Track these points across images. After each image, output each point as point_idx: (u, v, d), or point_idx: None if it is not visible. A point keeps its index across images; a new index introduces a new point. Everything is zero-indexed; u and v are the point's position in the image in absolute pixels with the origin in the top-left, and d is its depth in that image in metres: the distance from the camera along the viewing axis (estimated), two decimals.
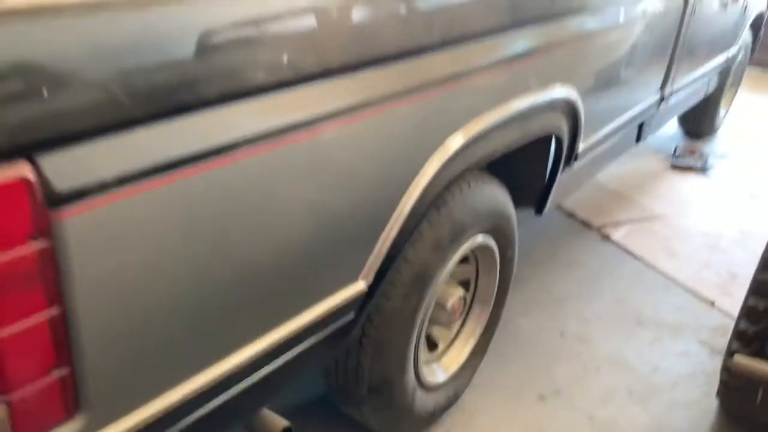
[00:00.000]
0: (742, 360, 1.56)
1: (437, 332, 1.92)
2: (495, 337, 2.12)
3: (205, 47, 0.83)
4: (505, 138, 1.61)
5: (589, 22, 1.87)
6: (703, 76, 3.40)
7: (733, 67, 4.15)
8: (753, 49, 4.61)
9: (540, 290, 2.64)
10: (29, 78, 0.67)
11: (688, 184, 3.79)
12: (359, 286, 1.28)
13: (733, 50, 3.88)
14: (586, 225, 3.20)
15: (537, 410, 2.05)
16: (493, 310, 2.02)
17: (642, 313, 2.57)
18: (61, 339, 0.77)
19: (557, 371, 2.22)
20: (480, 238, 1.78)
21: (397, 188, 1.27)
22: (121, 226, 0.78)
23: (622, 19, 2.08)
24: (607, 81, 2.16)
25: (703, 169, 3.96)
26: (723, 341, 2.27)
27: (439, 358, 1.92)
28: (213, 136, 0.87)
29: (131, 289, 0.83)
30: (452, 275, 1.78)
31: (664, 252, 3.01)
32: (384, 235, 1.29)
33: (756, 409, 1.73)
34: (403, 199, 1.29)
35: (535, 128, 1.73)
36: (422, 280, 1.55)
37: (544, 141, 1.92)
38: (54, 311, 0.75)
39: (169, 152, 0.80)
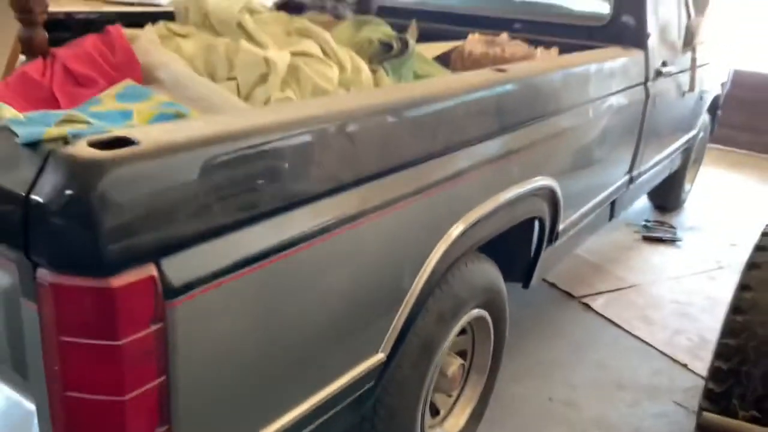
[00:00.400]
0: (710, 417, 1.77)
1: (439, 399, 2.11)
2: (489, 403, 2.31)
3: (274, 172, 1.07)
4: (496, 223, 1.86)
5: (561, 121, 2.16)
6: (667, 156, 3.73)
7: (695, 147, 4.52)
8: (712, 129, 5.01)
9: (529, 359, 2.84)
10: (159, 202, 0.90)
11: (659, 255, 4.06)
12: (380, 357, 1.49)
13: (693, 132, 4.24)
14: (568, 296, 3.43)
15: None
16: (488, 377, 2.22)
17: (622, 378, 2.77)
18: (165, 403, 0.97)
19: None
20: (476, 312, 2.00)
21: (411, 271, 1.50)
22: (214, 309, 1.00)
23: (591, 115, 2.38)
24: (580, 169, 2.45)
25: (672, 241, 4.26)
26: (696, 402, 2.47)
27: (441, 423, 2.10)
28: (275, 237, 1.10)
29: (219, 361, 1.04)
30: (452, 346, 1.99)
31: (640, 320, 3.24)
32: (399, 311, 1.51)
33: None
34: (416, 279, 1.52)
35: (520, 213, 1.99)
36: (428, 350, 1.76)
37: (529, 223, 2.17)
38: (162, 380, 0.96)
39: (249, 250, 1.03)
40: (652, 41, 2.96)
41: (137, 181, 0.89)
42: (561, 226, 2.37)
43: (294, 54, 1.54)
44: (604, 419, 2.52)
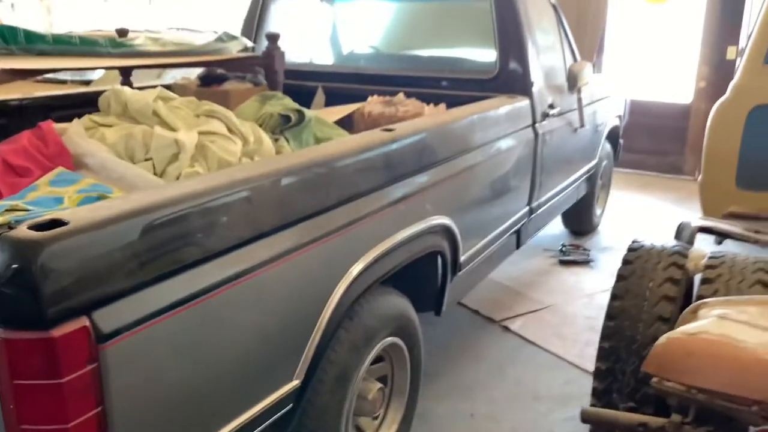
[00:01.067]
0: (588, 410, 2.07)
1: (364, 422, 2.35)
2: (414, 424, 2.56)
3: (184, 234, 1.34)
4: (395, 260, 2.15)
5: (450, 167, 2.49)
6: (568, 186, 4.12)
7: (599, 174, 4.96)
8: (616, 156, 5.47)
9: (452, 380, 3.12)
10: (87, 268, 1.16)
11: (574, 276, 4.43)
12: (295, 383, 1.74)
13: (594, 161, 4.67)
14: (490, 320, 3.74)
15: None
16: (408, 399, 2.48)
17: (538, 390, 3.07)
18: (103, 428, 1.21)
19: None
20: (390, 339, 2.27)
21: (316, 306, 1.77)
22: (139, 349, 1.24)
23: (479, 158, 2.72)
24: (476, 205, 2.78)
25: (586, 262, 4.64)
26: None
27: None
28: (189, 287, 1.36)
29: (147, 391, 1.28)
30: (371, 372, 2.24)
31: (555, 336, 3.57)
32: (309, 342, 1.77)
33: None
34: (322, 314, 1.78)
35: (417, 250, 2.28)
36: (344, 377, 2.01)
37: (431, 257, 2.48)
38: (99, 410, 1.19)
39: (166, 300, 1.29)
40: (537, 88, 3.36)
41: (68, 253, 1.14)
42: (462, 258, 2.68)
43: (201, 133, 1.82)
44: (521, 428, 2.80)
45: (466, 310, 3.85)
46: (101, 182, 1.50)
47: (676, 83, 7.28)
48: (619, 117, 5.31)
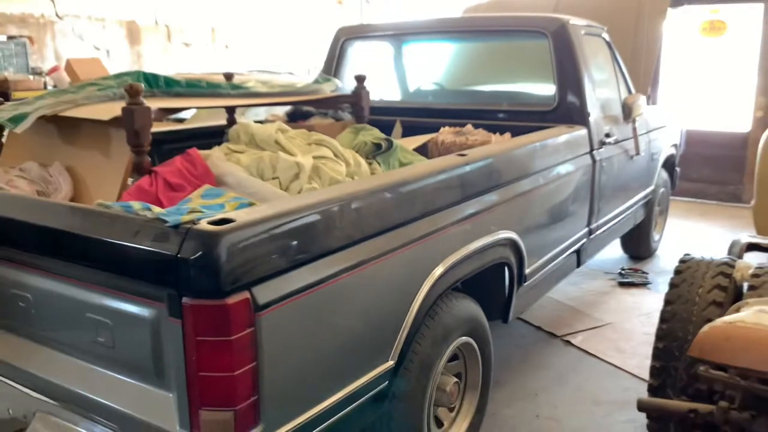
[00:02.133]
0: (644, 399, 2.32)
1: (442, 413, 2.66)
2: (486, 425, 2.85)
3: (312, 233, 1.72)
4: (470, 266, 2.48)
5: (518, 187, 2.82)
6: (625, 210, 4.37)
7: (656, 200, 5.18)
8: (673, 184, 5.68)
9: (519, 387, 3.39)
10: (249, 255, 1.54)
11: (632, 297, 4.65)
12: (390, 363, 2.08)
13: (650, 188, 4.91)
14: (552, 335, 4.00)
15: None
16: (480, 394, 2.78)
17: (597, 396, 3.32)
18: (255, 378, 1.58)
19: None
20: (463, 339, 2.59)
21: (407, 299, 2.12)
22: (283, 318, 1.61)
23: (542, 181, 3.04)
24: (540, 223, 3.09)
25: (645, 284, 4.85)
26: None
27: (447, 431, 2.65)
28: (318, 274, 1.73)
29: (288, 352, 1.65)
30: (448, 368, 2.56)
31: (614, 350, 3.80)
32: (402, 330, 2.11)
33: None
34: (411, 306, 2.13)
35: (489, 259, 2.61)
36: (427, 367, 2.34)
37: (500, 268, 2.80)
38: (253, 365, 1.56)
39: (303, 282, 1.67)
40: (593, 118, 3.67)
41: (237, 243, 1.53)
42: (527, 270, 2.99)
43: (315, 158, 2.21)
44: (583, 428, 3.05)
45: (530, 326, 4.12)
46: (240, 196, 1.90)
47: (734, 113, 7.43)
48: (675, 146, 5.53)
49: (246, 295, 1.54)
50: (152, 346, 1.66)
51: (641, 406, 2.34)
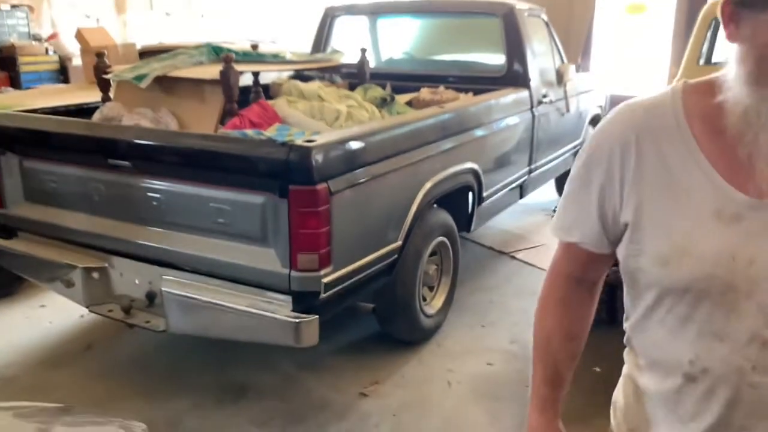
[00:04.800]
0: None
1: (426, 292, 3.76)
2: (453, 307, 3.95)
3: (363, 150, 2.77)
4: (447, 185, 3.56)
5: (479, 132, 3.90)
6: (558, 156, 5.52)
7: None
8: None
9: (477, 285, 4.53)
10: (327, 162, 2.57)
11: None
12: (399, 242, 3.15)
13: (579, 140, 6.08)
14: (501, 252, 5.16)
15: (480, 332, 3.89)
16: (452, 277, 3.89)
17: (534, 290, 4.40)
18: (329, 237, 2.61)
19: (489, 317, 4.07)
20: (440, 238, 3.67)
21: (410, 202, 3.18)
22: (345, 201, 2.65)
23: (496, 128, 4.13)
24: (493, 160, 4.19)
25: None
26: None
27: (429, 303, 3.75)
28: (364, 176, 2.78)
29: (346, 222, 2.69)
30: (430, 261, 3.64)
31: (548, 262, 4.94)
32: (406, 220, 3.17)
33: None
34: (412, 207, 3.19)
35: (459, 182, 3.69)
36: (418, 253, 3.42)
37: (466, 190, 3.88)
38: (328, 227, 2.60)
39: (357, 179, 2.70)
40: (534, 83, 4.76)
41: (320, 153, 2.54)
42: (485, 194, 4.09)
43: (347, 106, 3.22)
44: (524, 308, 4.21)
45: (484, 247, 5.27)
46: (300, 131, 2.89)
47: (653, 80, 8.70)
48: (601, 107, 6.71)
49: (326, 185, 2.57)
50: (261, 221, 2.67)
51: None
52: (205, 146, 2.71)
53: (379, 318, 3.53)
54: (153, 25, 9.22)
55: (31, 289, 4.30)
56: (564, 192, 1.24)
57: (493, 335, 3.86)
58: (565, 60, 5.64)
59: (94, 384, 3.33)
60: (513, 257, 5.08)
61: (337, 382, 3.34)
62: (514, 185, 4.66)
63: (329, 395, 3.24)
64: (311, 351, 2.98)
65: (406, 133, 3.14)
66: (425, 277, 3.62)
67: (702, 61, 4.85)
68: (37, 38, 7.67)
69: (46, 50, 7.57)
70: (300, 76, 4.77)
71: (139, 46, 6.69)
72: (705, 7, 4.86)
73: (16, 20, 7.42)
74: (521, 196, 4.95)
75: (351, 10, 5.52)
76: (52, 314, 4.04)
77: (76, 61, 7.23)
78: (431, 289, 3.80)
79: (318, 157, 2.53)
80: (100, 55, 3.48)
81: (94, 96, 3.78)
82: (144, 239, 3.00)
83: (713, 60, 4.93)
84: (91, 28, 6.85)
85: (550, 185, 6.22)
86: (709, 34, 4.81)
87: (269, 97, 3.83)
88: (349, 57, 4.55)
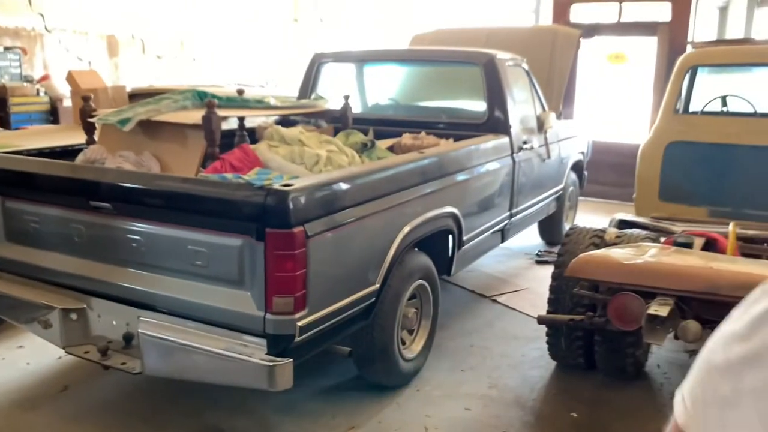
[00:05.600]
0: (541, 315, 3.49)
1: (405, 336, 3.77)
2: (434, 351, 3.96)
3: (334, 197, 2.82)
4: (426, 228, 3.60)
5: (459, 177, 3.97)
6: (540, 201, 5.61)
7: (567, 196, 6.45)
8: (581, 184, 6.98)
9: (458, 329, 4.53)
10: (302, 206, 2.62)
11: (546, 271, 5.81)
12: (376, 285, 3.18)
13: (561, 185, 6.18)
14: (482, 296, 5.18)
15: (459, 377, 3.89)
16: (431, 322, 3.90)
17: (516, 334, 4.49)
18: (305, 280, 2.64)
19: (469, 362, 4.08)
20: (420, 282, 3.70)
21: (388, 245, 3.21)
22: (321, 245, 2.68)
23: (476, 173, 4.20)
24: (474, 205, 4.26)
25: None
26: None
27: (409, 347, 3.75)
28: (339, 221, 2.82)
29: (322, 266, 2.72)
30: (409, 304, 3.66)
31: (529, 306, 4.99)
32: (384, 264, 3.21)
33: (565, 352, 3.66)
34: (389, 251, 3.23)
35: (438, 225, 3.74)
36: (397, 296, 3.44)
37: (445, 234, 3.93)
38: (304, 270, 2.63)
39: (334, 223, 2.74)
40: (514, 130, 4.87)
41: (296, 197, 2.59)
42: (465, 238, 4.14)
43: (327, 151, 3.29)
44: (505, 353, 4.21)
45: (466, 290, 5.29)
46: (280, 174, 2.95)
47: (635, 127, 8.88)
48: (583, 153, 6.84)
49: (302, 228, 2.61)
50: (238, 263, 2.70)
51: (540, 320, 3.52)
52: (183, 189, 2.75)
53: (357, 362, 3.53)
54: (145, 68, 9.37)
55: (10, 330, 4.27)
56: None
57: (473, 380, 3.85)
58: (546, 108, 5.77)
59: (70, 426, 3.29)
60: (495, 301, 5.10)
61: (314, 427, 3.32)
62: (495, 229, 4.72)
63: None
64: (289, 394, 2.97)
65: (384, 178, 3.21)
66: (404, 320, 3.63)
67: (680, 110, 4.98)
68: (28, 80, 7.76)
69: (38, 91, 7.65)
70: (286, 120, 4.86)
71: (129, 89, 6.81)
72: (681, 57, 4.99)
73: (8, 62, 7.52)
74: (503, 240, 5.01)
75: (338, 57, 5.65)
76: (30, 355, 4.01)
77: (67, 102, 7.32)
78: (411, 332, 3.81)
79: (295, 201, 2.58)
80: (86, 98, 3.54)
81: (81, 137, 3.84)
82: (123, 280, 3.02)
83: (690, 109, 5.07)
84: (82, 70, 6.96)
85: (533, 229, 6.29)
86: (686, 84, 4.94)
87: (255, 140, 3.91)
88: (335, 103, 4.66)
